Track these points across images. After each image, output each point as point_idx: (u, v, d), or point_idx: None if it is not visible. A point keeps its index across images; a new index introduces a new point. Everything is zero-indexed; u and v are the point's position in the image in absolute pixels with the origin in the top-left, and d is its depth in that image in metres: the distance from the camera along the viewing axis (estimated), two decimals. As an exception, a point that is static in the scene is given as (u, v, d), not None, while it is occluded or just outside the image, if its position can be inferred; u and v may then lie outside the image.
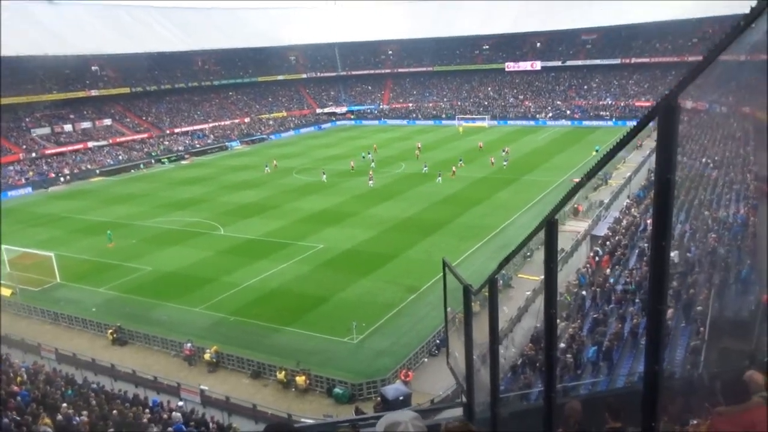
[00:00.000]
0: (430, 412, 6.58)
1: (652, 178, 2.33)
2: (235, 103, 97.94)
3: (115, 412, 17.01)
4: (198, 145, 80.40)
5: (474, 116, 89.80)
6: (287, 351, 24.65)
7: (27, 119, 73.52)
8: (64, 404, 16.57)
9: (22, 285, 33.40)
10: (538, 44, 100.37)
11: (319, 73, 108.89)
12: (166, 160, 73.39)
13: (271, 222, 42.48)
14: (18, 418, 14.55)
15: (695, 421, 3.63)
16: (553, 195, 43.87)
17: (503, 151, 61.02)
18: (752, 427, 2.82)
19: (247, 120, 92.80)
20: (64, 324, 29.68)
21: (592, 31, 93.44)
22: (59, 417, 15.62)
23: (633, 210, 33.52)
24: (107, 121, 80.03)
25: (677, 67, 79.30)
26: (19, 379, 19.07)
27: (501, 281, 26.88)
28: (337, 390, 21.90)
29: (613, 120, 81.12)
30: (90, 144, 73.81)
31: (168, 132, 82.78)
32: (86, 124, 77.59)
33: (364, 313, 27.04)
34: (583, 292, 23.59)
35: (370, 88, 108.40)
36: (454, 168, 54.00)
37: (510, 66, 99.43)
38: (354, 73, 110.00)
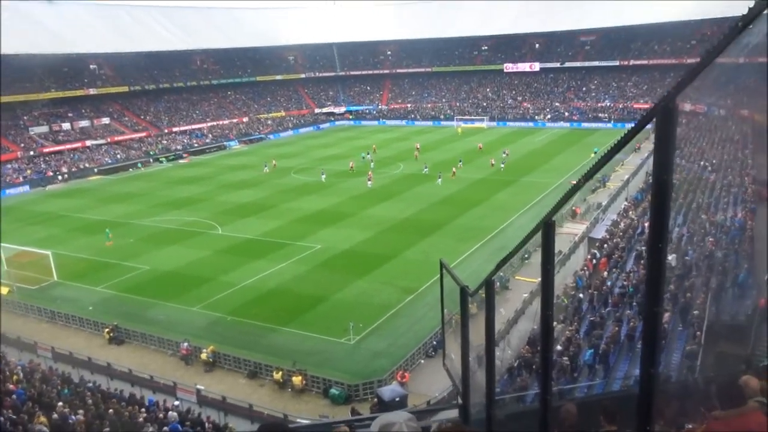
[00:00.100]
0: (426, 414, 6.55)
1: (650, 181, 2.31)
2: (233, 102, 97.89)
3: (111, 411, 16.99)
4: (196, 145, 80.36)
5: (473, 117, 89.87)
6: (284, 351, 24.62)
7: (25, 117, 73.41)
8: (60, 403, 16.54)
9: (20, 283, 33.36)
10: (537, 45, 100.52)
11: (317, 73, 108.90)
12: (164, 159, 73.36)
13: (268, 222, 42.44)
14: (14, 417, 14.53)
15: (691, 425, 3.61)
16: (552, 197, 43.89)
17: (504, 152, 61.07)
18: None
19: (245, 119, 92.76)
20: (60, 322, 29.62)
21: (591, 32, 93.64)
22: (55, 416, 15.60)
23: (631, 213, 33.56)
24: (105, 120, 79.94)
25: (676, 69, 79.39)
26: (15, 377, 19.03)
27: (498, 283, 26.97)
28: (333, 391, 21.87)
29: (612, 122, 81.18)
30: (88, 143, 73.73)
31: (166, 131, 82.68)
32: (84, 123, 77.50)
33: (361, 314, 27.02)
34: (580, 295, 23.60)
35: (368, 88, 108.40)
36: (454, 169, 54.06)
37: (509, 67, 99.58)
38: (352, 73, 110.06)
